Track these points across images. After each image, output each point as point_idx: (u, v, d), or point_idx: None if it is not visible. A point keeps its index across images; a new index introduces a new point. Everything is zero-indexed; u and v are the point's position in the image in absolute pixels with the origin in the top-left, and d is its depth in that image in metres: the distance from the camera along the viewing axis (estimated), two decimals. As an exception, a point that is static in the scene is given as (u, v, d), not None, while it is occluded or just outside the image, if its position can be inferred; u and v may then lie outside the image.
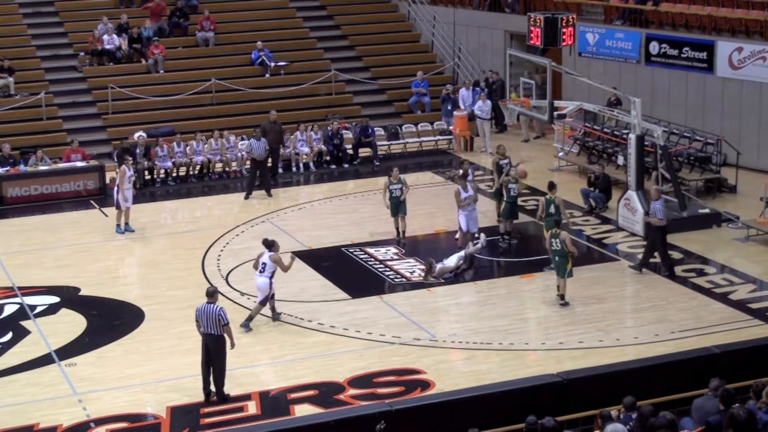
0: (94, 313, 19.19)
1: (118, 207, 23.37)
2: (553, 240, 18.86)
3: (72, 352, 17.46)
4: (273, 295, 18.30)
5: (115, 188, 23.45)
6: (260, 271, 18.01)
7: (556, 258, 18.89)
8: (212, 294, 15.78)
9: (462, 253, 20.68)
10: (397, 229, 22.39)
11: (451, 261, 20.39)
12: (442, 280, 20.21)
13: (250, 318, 18.15)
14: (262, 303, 18.19)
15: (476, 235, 21.61)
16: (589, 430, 13.45)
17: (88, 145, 28.57)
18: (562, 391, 14.70)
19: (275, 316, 18.44)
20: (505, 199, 22.18)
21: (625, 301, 19.53)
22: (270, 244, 18.24)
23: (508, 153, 23.97)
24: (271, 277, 17.99)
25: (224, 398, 15.55)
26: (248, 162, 27.06)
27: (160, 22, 33.35)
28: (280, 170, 28.13)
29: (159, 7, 33.59)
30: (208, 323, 15.44)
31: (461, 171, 22.65)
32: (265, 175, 26.46)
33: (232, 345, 15.60)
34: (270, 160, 27.23)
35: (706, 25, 28.63)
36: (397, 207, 22.26)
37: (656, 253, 20.41)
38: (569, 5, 31.62)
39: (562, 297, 18.95)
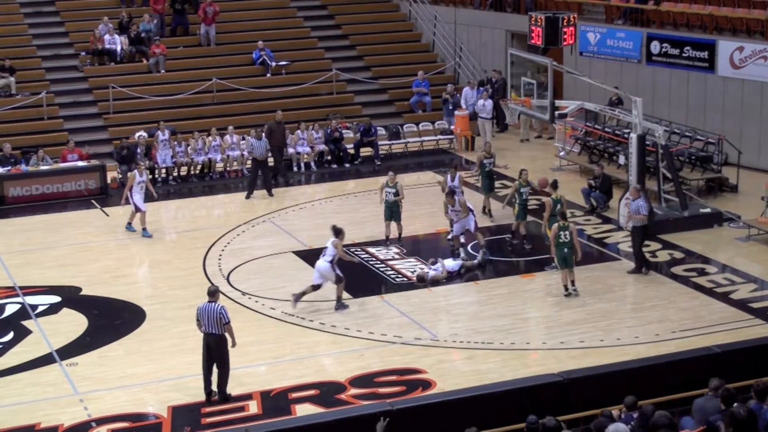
0: (96, 312, 19.20)
1: (137, 210, 23.21)
2: (561, 233, 19.05)
3: (73, 351, 17.47)
4: (331, 281, 18.83)
5: (128, 192, 23.24)
6: (322, 255, 18.68)
7: (565, 250, 19.05)
8: (213, 293, 15.79)
9: (454, 264, 20.62)
10: (387, 236, 22.21)
11: (438, 268, 20.36)
12: (444, 281, 20.23)
13: (338, 299, 18.85)
14: (338, 282, 18.79)
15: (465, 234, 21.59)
16: (589, 430, 13.44)
17: (89, 145, 28.58)
18: (563, 391, 14.69)
19: (294, 300, 18.74)
20: (516, 201, 22.19)
21: (625, 301, 19.53)
22: (338, 231, 18.83)
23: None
24: (331, 262, 18.58)
25: (226, 398, 15.55)
26: (249, 161, 27.10)
27: (161, 15, 33.28)
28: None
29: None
30: (210, 322, 15.44)
31: (448, 177, 22.65)
32: (267, 175, 26.46)
33: (233, 344, 15.59)
34: (272, 160, 27.28)
35: (708, 25, 28.63)
36: (390, 211, 22.18)
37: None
38: (570, 5, 31.62)
39: (573, 283, 19.19)
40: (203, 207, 26.22)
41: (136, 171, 23.40)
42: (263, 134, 26.45)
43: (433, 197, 24.15)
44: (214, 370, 15.60)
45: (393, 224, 22.27)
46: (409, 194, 24.02)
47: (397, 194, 22.14)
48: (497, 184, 25.04)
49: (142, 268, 22.11)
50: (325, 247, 18.84)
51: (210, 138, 28.08)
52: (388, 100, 33.12)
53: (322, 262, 18.71)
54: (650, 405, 12.38)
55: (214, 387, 15.58)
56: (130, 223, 23.43)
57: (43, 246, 22.98)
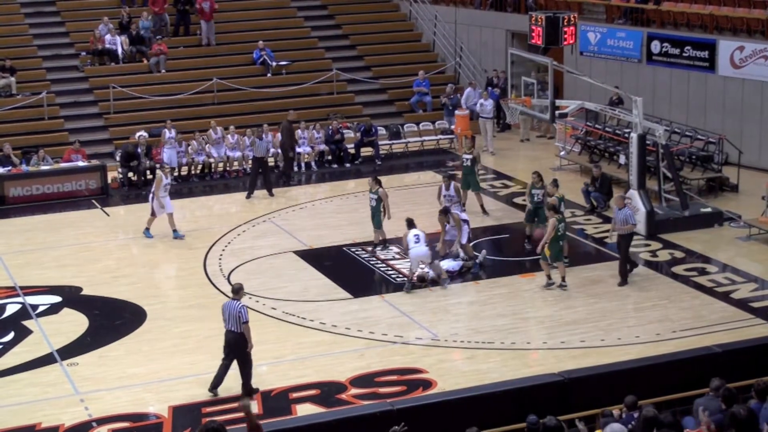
0: (96, 312, 19.20)
1: (152, 213, 22.98)
2: (560, 225, 19.31)
3: (74, 351, 17.47)
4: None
5: (151, 195, 23.04)
6: (416, 242, 19.71)
7: (561, 243, 19.42)
8: (237, 291, 15.74)
9: (454, 263, 20.62)
10: (381, 239, 22.03)
11: (435, 268, 20.35)
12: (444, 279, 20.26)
13: (439, 277, 19.94)
14: (438, 259, 20.14)
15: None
16: (590, 430, 13.44)
17: (90, 145, 28.62)
18: (563, 391, 14.70)
19: (430, 282, 19.84)
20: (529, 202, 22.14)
21: (626, 300, 19.50)
22: (411, 221, 20.13)
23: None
24: (428, 246, 19.82)
25: (250, 392, 15.48)
26: (250, 161, 27.09)
27: (162, 15, 33.27)
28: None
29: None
30: (230, 320, 15.41)
31: (443, 186, 22.52)
32: (267, 174, 26.45)
33: (250, 345, 15.49)
34: (281, 158, 27.36)
35: (708, 24, 28.62)
36: (373, 217, 21.92)
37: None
38: (571, 4, 31.61)
39: (549, 278, 19.58)
40: (204, 207, 26.22)
41: (161, 173, 23.15)
42: (262, 134, 26.45)
43: (432, 197, 24.13)
44: (230, 370, 15.58)
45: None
46: (409, 194, 24.10)
47: (379, 200, 21.91)
48: (497, 184, 25.00)
49: (143, 268, 22.06)
50: (416, 235, 19.68)
51: (210, 132, 28.06)
52: (388, 100, 33.12)
53: (422, 248, 19.64)
54: (650, 405, 12.39)
55: (217, 388, 15.61)
56: (175, 230, 23.02)
57: (44, 246, 22.98)
